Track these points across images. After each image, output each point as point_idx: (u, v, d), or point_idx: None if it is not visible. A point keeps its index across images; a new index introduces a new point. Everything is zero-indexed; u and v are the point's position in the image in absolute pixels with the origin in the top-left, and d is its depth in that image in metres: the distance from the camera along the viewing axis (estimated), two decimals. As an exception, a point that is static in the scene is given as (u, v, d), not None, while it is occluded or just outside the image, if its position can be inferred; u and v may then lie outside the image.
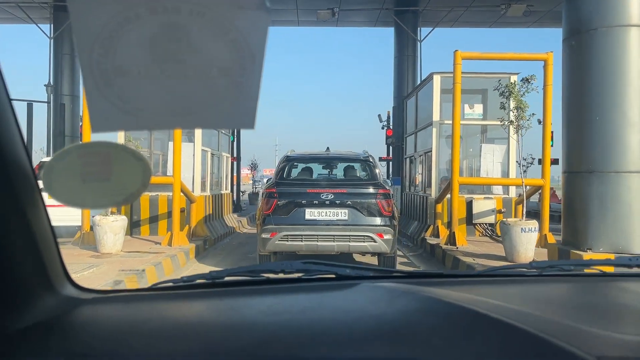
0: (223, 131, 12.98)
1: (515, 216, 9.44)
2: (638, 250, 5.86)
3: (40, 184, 0.73)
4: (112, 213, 7.96)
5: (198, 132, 10.32)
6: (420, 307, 0.96)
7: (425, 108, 11.73)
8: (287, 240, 6.46)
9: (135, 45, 0.55)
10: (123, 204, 0.73)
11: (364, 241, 6.44)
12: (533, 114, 7.77)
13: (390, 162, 18.27)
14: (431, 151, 10.83)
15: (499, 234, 9.46)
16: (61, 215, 7.32)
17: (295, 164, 7.61)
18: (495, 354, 0.76)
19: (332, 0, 16.31)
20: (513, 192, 10.47)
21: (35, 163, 9.60)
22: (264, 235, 6.50)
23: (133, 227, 9.88)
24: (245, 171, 31.73)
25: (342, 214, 6.45)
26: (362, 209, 6.49)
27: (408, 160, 13.97)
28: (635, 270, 1.33)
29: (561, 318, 0.89)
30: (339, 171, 8.15)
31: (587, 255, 6.02)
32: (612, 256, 5.60)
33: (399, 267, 7.44)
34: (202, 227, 10.02)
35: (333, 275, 1.26)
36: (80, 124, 10.30)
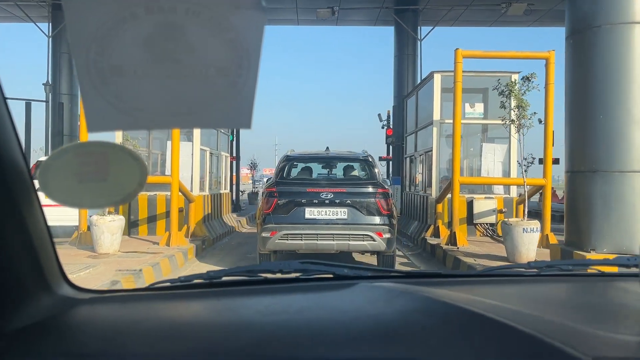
0: (222, 130, 12.90)
1: (516, 216, 9.36)
2: (642, 251, 5.79)
3: (36, 183, 0.72)
4: (109, 213, 7.89)
5: (197, 132, 10.25)
6: (417, 307, 0.95)
7: (425, 107, 11.66)
8: (287, 239, 6.50)
9: (131, 45, 0.54)
10: (120, 204, 0.78)
11: (363, 240, 6.48)
12: (534, 112, 7.70)
13: (390, 162, 18.19)
14: (432, 150, 10.76)
15: (500, 234, 9.40)
16: (58, 215, 7.26)
17: (295, 163, 7.66)
18: (493, 355, 0.75)
19: (332, -1, 16.24)
20: (514, 191, 10.40)
21: (33, 163, 9.52)
22: (264, 234, 6.54)
23: (131, 227, 9.81)
24: (244, 171, 31.67)
25: (341, 213, 6.50)
26: (362, 208, 6.53)
27: (408, 159, 13.90)
28: (633, 270, 1.31)
29: (559, 318, 0.88)
30: (338, 171, 8.19)
31: (590, 256, 5.95)
32: (612, 257, 5.51)
33: (399, 267, 7.38)
34: (200, 227, 9.95)
35: (331, 275, 1.26)
36: (79, 123, 10.23)
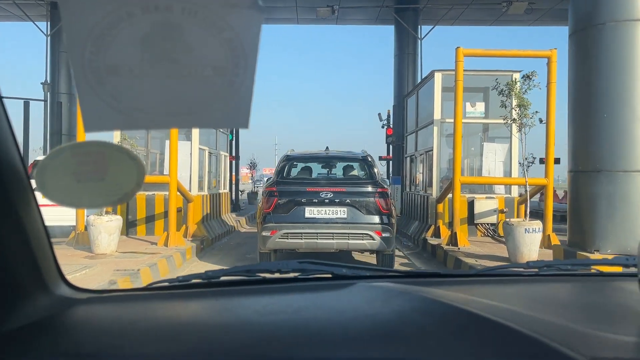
0: (221, 130, 12.82)
1: (517, 216, 9.28)
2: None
3: (34, 183, 0.72)
4: (107, 213, 7.82)
5: (196, 131, 10.16)
6: (415, 307, 0.95)
7: (426, 106, 11.59)
8: (287, 238, 6.55)
9: (128, 44, 0.54)
10: (118, 204, 0.75)
11: (362, 239, 6.53)
12: (536, 111, 7.62)
13: (390, 161, 18.11)
14: (432, 150, 10.68)
15: (501, 234, 9.33)
16: (55, 215, 7.20)
17: (295, 163, 7.73)
18: (490, 355, 0.75)
19: (332, -3, 16.15)
20: (515, 191, 10.32)
21: (31, 162, 9.45)
22: (264, 233, 6.58)
23: (129, 227, 9.74)
24: (244, 170, 31.57)
25: (341, 212, 6.55)
26: (361, 207, 6.58)
27: (408, 159, 13.83)
28: (632, 270, 1.30)
29: (556, 318, 0.88)
30: (338, 170, 8.24)
31: (594, 257, 5.87)
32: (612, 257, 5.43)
33: (399, 267, 7.31)
34: (199, 227, 9.88)
35: (329, 275, 1.26)
36: (77, 122, 10.14)
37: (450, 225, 8.89)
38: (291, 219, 6.55)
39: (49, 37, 17.13)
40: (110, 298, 1.05)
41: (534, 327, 0.80)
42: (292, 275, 1.24)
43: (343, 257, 7.78)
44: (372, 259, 7.80)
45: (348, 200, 6.57)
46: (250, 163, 27.36)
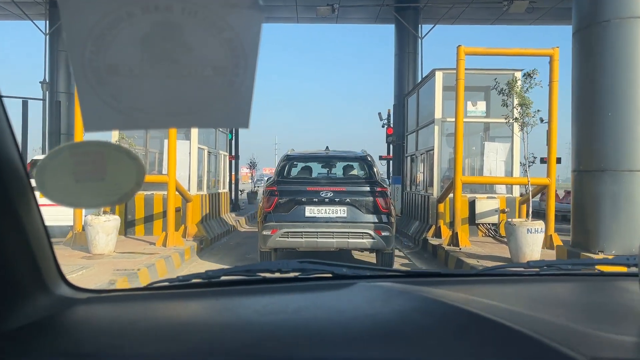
0: (221, 129, 12.74)
1: (518, 216, 9.20)
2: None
3: (33, 182, 0.72)
4: (104, 212, 7.74)
5: (194, 130, 10.08)
6: (415, 307, 0.95)
7: (426, 106, 11.52)
8: (288, 237, 6.59)
9: (128, 44, 0.54)
10: (117, 204, 0.70)
11: (362, 238, 6.59)
12: (538, 110, 7.54)
13: (391, 161, 18.03)
14: (433, 149, 10.61)
15: (503, 234, 9.26)
16: (53, 214, 7.13)
17: (295, 162, 7.78)
18: (490, 355, 0.75)
19: (332, -4, 16.06)
20: (516, 191, 10.25)
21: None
22: (265, 232, 6.63)
23: (127, 226, 9.66)
24: (244, 170, 31.48)
25: (341, 211, 6.61)
26: (361, 206, 6.64)
27: (409, 158, 13.75)
28: (632, 269, 1.31)
29: (556, 318, 0.88)
30: (338, 170, 8.28)
31: (595, 257, 5.79)
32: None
33: (399, 267, 7.24)
34: (198, 227, 9.80)
35: (330, 275, 1.25)
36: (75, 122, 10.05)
37: (451, 225, 8.81)
38: (291, 218, 6.59)
39: (47, 36, 17.05)
40: (110, 298, 1.05)
41: (535, 327, 0.80)
42: (292, 275, 1.24)
43: (343, 256, 7.74)
44: (371, 258, 7.80)
45: (348, 200, 6.62)
46: (250, 162, 27.28)
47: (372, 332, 0.84)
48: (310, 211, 6.62)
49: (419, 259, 8.57)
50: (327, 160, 8.19)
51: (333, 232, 6.56)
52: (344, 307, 1.01)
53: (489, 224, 9.94)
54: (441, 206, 9.73)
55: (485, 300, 1.00)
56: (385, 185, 6.99)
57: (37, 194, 0.72)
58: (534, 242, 6.82)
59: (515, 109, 7.68)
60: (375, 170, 7.27)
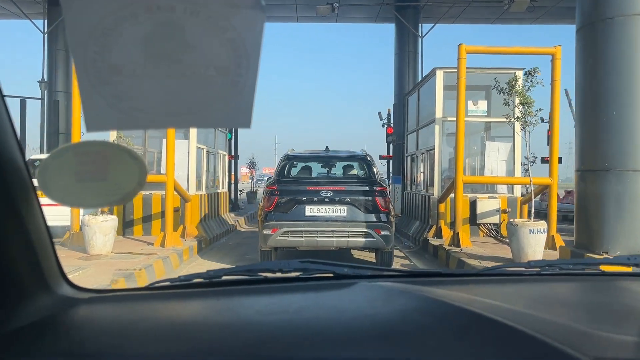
0: (220, 129, 12.66)
1: (520, 216, 9.12)
2: (657, 252, 5.54)
3: (35, 182, 0.73)
4: (102, 212, 7.66)
5: (193, 130, 9.97)
6: (416, 306, 0.95)
7: (427, 105, 11.44)
8: (288, 236, 6.64)
9: (131, 44, 0.54)
10: (119, 204, 0.68)
11: (362, 237, 6.64)
12: (540, 109, 7.46)
13: (391, 161, 17.96)
14: (434, 149, 10.53)
15: (504, 235, 9.18)
16: (50, 214, 7.05)
17: (295, 162, 7.83)
18: (491, 355, 0.75)
19: (332, -5, 15.97)
20: (518, 191, 10.17)
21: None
22: (265, 231, 6.68)
23: (126, 227, 9.58)
24: (243, 170, 31.38)
25: (341, 210, 6.66)
26: (360, 205, 6.69)
27: (409, 158, 13.68)
28: (633, 269, 1.31)
29: (558, 318, 0.88)
30: (337, 169, 8.33)
31: (600, 258, 5.70)
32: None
33: (400, 268, 7.17)
34: (197, 227, 9.72)
35: (331, 275, 1.25)
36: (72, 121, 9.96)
37: (452, 225, 8.73)
38: (292, 217, 6.63)
39: (46, 35, 16.96)
40: (112, 298, 1.05)
41: (536, 326, 0.79)
42: (293, 274, 1.23)
43: (343, 256, 7.69)
44: (371, 257, 7.79)
45: (348, 199, 6.66)
46: (250, 162, 27.19)
47: (373, 331, 0.84)
48: (310, 210, 6.66)
49: (420, 260, 8.49)
50: (327, 160, 8.23)
51: (333, 231, 6.60)
52: (345, 306, 1.01)
53: (490, 224, 9.86)
54: (442, 206, 9.65)
55: (487, 300, 0.99)
56: (384, 185, 7.04)
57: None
58: (537, 242, 6.74)
59: (516, 108, 7.60)
60: (374, 170, 7.33)
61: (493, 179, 10.06)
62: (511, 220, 7.29)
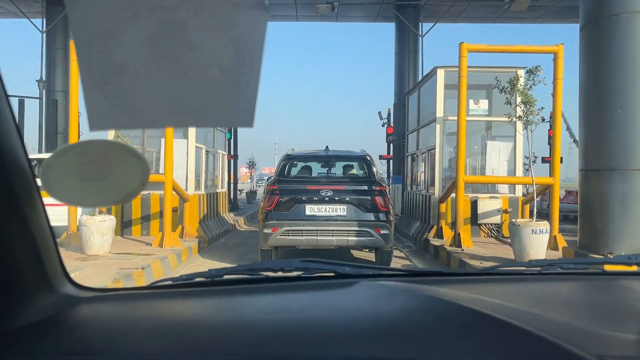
0: (219, 128, 12.58)
1: (521, 216, 9.04)
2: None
3: (38, 182, 0.72)
4: (100, 212, 7.59)
5: (192, 129, 9.91)
6: (418, 305, 0.95)
7: (428, 104, 11.37)
8: (288, 235, 6.70)
9: (134, 44, 0.54)
10: (121, 203, 0.68)
11: (361, 236, 6.68)
12: (542, 107, 7.39)
13: (391, 160, 17.88)
14: (434, 148, 10.46)
15: (505, 235, 9.10)
16: (48, 215, 6.99)
17: (295, 162, 7.88)
18: (494, 354, 0.74)
19: (332, -6, 15.89)
20: (519, 191, 10.09)
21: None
22: (266, 231, 6.72)
23: (124, 227, 9.50)
24: (243, 169, 31.28)
25: (340, 209, 6.71)
26: (360, 205, 6.75)
27: (410, 158, 13.60)
28: (634, 268, 1.30)
29: (561, 317, 0.88)
30: (337, 169, 8.36)
31: (598, 257, 5.61)
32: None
33: (401, 267, 7.12)
34: (196, 228, 9.64)
35: (332, 274, 1.25)
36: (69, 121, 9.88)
37: (453, 225, 8.65)
38: (292, 216, 6.68)
39: (44, 34, 16.87)
40: (114, 297, 1.06)
41: (539, 325, 0.79)
42: (294, 274, 1.24)
43: (342, 255, 7.64)
44: (370, 257, 7.79)
45: (347, 198, 6.71)
46: (249, 162, 27.09)
47: (375, 330, 0.84)
48: (310, 210, 6.70)
49: (420, 260, 8.42)
50: (327, 159, 8.27)
51: (333, 230, 6.65)
52: (347, 305, 1.01)
53: (491, 224, 9.78)
54: (443, 206, 9.58)
55: (488, 298, 0.99)
56: (383, 185, 7.12)
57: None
58: (539, 243, 6.67)
59: (518, 107, 7.53)
60: (374, 169, 7.38)
61: (495, 178, 9.98)
62: (513, 220, 7.21)
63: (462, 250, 7.90)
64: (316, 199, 6.70)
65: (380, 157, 17.80)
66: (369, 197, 6.77)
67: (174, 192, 8.58)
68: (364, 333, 0.83)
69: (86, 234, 7.13)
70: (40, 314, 0.83)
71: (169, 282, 1.20)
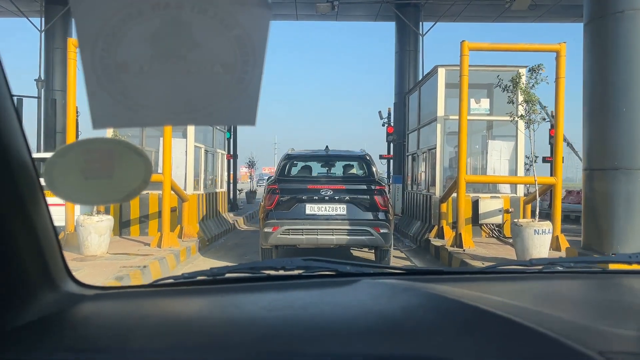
0: (218, 127, 12.49)
1: (523, 216, 8.97)
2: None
3: (42, 181, 0.74)
4: (98, 212, 7.51)
5: (191, 128, 9.85)
6: (420, 303, 0.96)
7: (428, 103, 11.29)
8: (289, 234, 6.75)
9: (138, 42, 0.55)
10: (123, 201, 0.71)
11: (361, 235, 6.73)
12: (545, 106, 7.31)
13: (391, 160, 17.82)
14: (435, 148, 10.38)
15: (507, 235, 9.03)
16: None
17: (295, 162, 7.92)
18: (496, 350, 0.75)
19: (332, -7, 15.82)
20: (521, 191, 10.02)
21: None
22: (266, 230, 6.78)
23: (122, 227, 9.43)
24: (243, 169, 31.21)
25: (340, 209, 6.76)
26: (360, 204, 6.81)
27: (410, 157, 13.53)
28: (635, 267, 1.32)
29: (562, 314, 0.88)
30: (337, 169, 8.40)
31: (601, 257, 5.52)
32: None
33: (403, 266, 7.06)
34: (195, 228, 9.56)
35: (333, 273, 1.25)
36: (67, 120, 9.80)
37: (455, 225, 8.58)
38: (292, 215, 6.73)
39: (42, 33, 16.80)
40: (117, 295, 1.07)
41: (541, 322, 0.79)
42: (296, 272, 1.24)
43: (342, 254, 7.59)
44: (370, 255, 7.79)
45: (347, 198, 6.76)
46: (249, 162, 27.01)
47: (377, 327, 0.84)
48: (310, 209, 6.74)
49: (421, 260, 8.36)
50: (327, 159, 8.29)
51: (333, 229, 6.69)
52: (350, 303, 1.01)
53: (492, 224, 9.71)
54: (444, 206, 9.50)
55: (490, 296, 0.99)
56: (383, 184, 7.17)
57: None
58: (541, 243, 6.60)
59: (520, 106, 7.46)
60: (373, 169, 7.41)
61: (496, 178, 9.91)
62: (515, 220, 7.14)
63: (464, 250, 7.82)
64: (316, 198, 6.73)
65: (381, 157, 17.75)
66: (368, 197, 6.81)
67: (172, 192, 8.51)
68: (366, 330, 0.84)
69: (84, 234, 7.05)
70: (43, 311, 0.84)
71: (171, 281, 1.20)
